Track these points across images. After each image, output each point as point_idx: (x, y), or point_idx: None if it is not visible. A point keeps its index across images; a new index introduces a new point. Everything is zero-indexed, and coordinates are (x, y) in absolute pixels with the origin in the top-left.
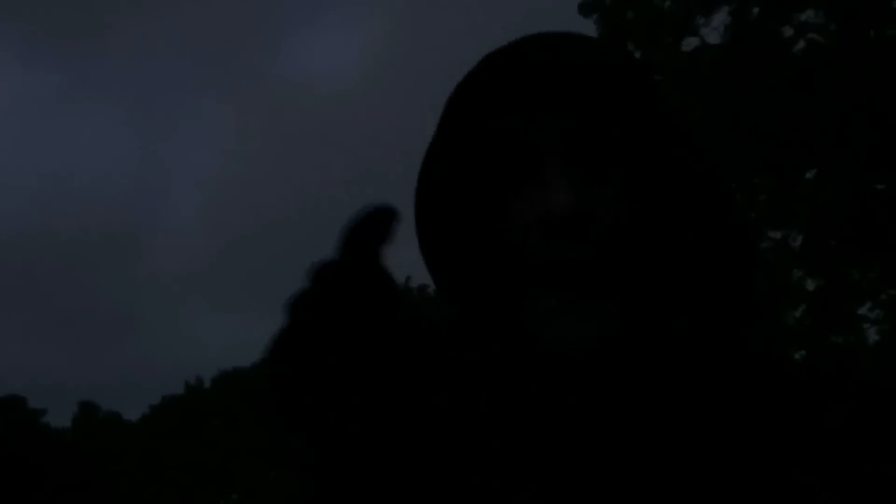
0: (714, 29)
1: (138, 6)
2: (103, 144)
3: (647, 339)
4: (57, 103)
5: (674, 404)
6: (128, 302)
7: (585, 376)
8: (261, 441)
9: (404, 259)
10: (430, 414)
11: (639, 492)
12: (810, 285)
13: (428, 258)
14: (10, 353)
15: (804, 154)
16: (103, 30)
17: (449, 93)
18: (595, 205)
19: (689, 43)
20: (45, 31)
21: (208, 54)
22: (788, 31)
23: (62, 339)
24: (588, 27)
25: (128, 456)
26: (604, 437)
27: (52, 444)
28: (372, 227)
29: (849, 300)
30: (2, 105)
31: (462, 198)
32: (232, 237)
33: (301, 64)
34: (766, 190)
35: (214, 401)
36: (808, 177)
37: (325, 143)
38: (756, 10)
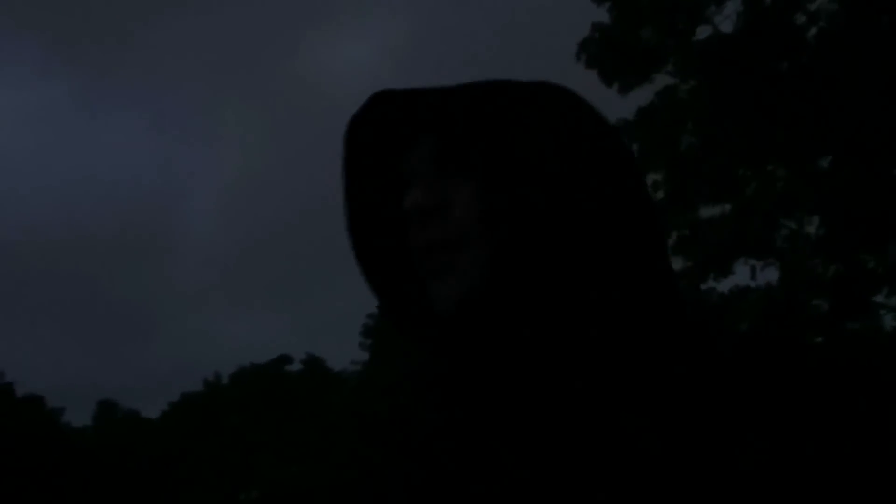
0: (727, 17)
1: (158, 14)
2: (125, 150)
3: (508, 301)
4: (78, 110)
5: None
6: (148, 303)
7: (466, 331)
8: (280, 436)
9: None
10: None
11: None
12: (826, 272)
13: (361, 264)
14: (30, 353)
15: (818, 141)
16: (125, 37)
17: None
18: (444, 196)
19: (703, 31)
20: (67, 39)
21: (227, 59)
22: (801, 19)
23: (83, 340)
24: (601, 15)
25: (147, 453)
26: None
27: (72, 442)
28: None
29: (865, 287)
30: (24, 113)
31: (376, 218)
32: (251, 238)
33: (318, 66)
34: (780, 178)
35: (233, 397)
36: (822, 164)
37: (340, 141)
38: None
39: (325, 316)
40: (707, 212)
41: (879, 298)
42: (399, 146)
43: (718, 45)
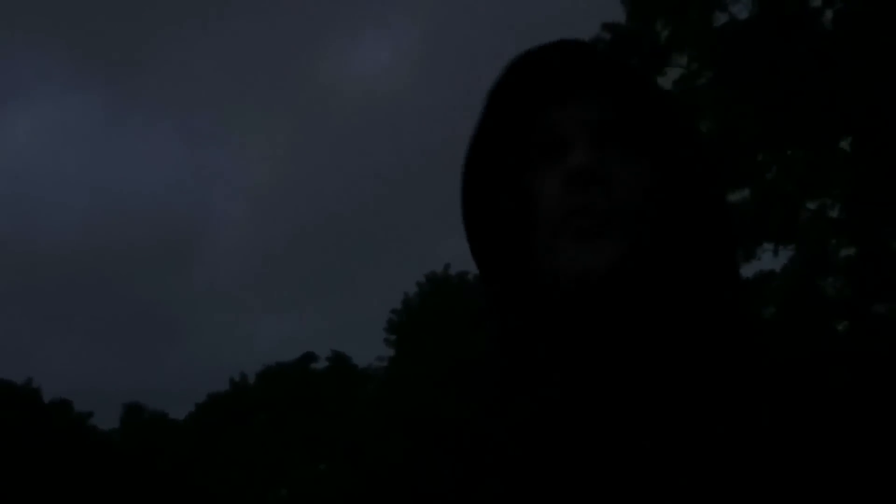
0: (742, 3)
1: (181, 26)
2: (155, 159)
3: (649, 277)
4: (108, 122)
5: (679, 348)
6: (175, 307)
7: (597, 304)
8: (307, 434)
9: (444, 250)
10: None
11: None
12: (849, 253)
13: (470, 230)
14: (58, 358)
15: (838, 124)
16: (153, 48)
17: (485, 90)
18: (611, 166)
19: (719, 19)
20: (94, 52)
21: (251, 68)
22: (816, 2)
23: (110, 344)
24: (615, 6)
25: (175, 454)
26: (616, 374)
27: (100, 445)
28: None
29: (890, 268)
30: (54, 125)
31: (501, 177)
32: (278, 242)
33: (339, 72)
34: (801, 161)
35: (259, 396)
36: (842, 147)
37: (366, 147)
38: None
39: (350, 314)
40: (728, 197)
41: None
42: (543, 102)
43: (735, 32)
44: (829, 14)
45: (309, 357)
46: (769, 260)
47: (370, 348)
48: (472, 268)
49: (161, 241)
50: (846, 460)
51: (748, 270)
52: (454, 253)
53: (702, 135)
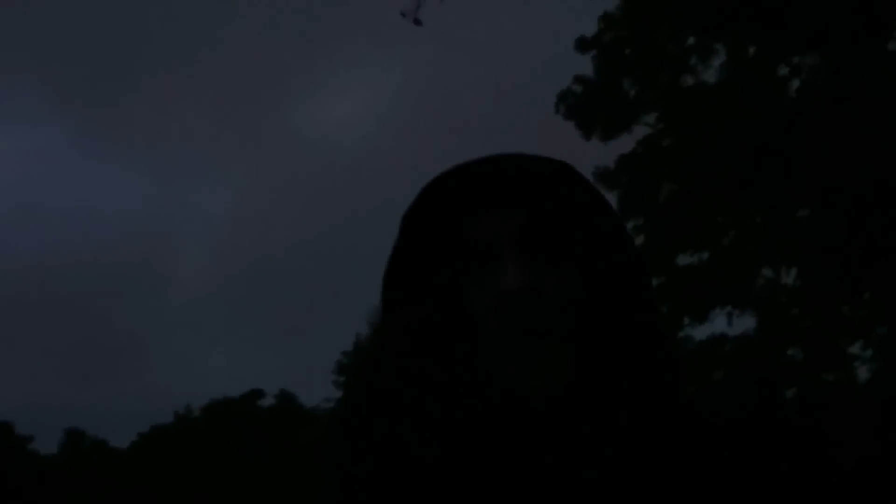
0: (711, 68)
1: (156, 65)
2: (120, 189)
3: (597, 391)
4: (77, 151)
5: (623, 452)
6: (128, 335)
7: (548, 421)
8: (250, 471)
9: None
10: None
11: None
12: (803, 323)
13: (393, 338)
14: (4, 380)
15: (798, 193)
16: (125, 86)
17: (408, 203)
18: (545, 283)
19: (686, 81)
20: (69, 87)
21: (224, 107)
22: (784, 71)
23: (54, 368)
24: (585, 64)
25: (115, 484)
26: (565, 484)
27: (39, 470)
28: None
29: (841, 337)
30: (24, 152)
31: (424, 290)
32: (235, 279)
33: (308, 118)
34: (759, 227)
35: (204, 430)
36: (801, 215)
37: (327, 190)
38: (752, 50)
39: (301, 354)
40: (685, 259)
41: (855, 349)
42: (467, 214)
43: (702, 95)
44: (795, 83)
45: (256, 394)
46: (721, 323)
47: (319, 389)
48: None
49: (118, 269)
50: None
51: (701, 332)
52: None
53: (630, 239)
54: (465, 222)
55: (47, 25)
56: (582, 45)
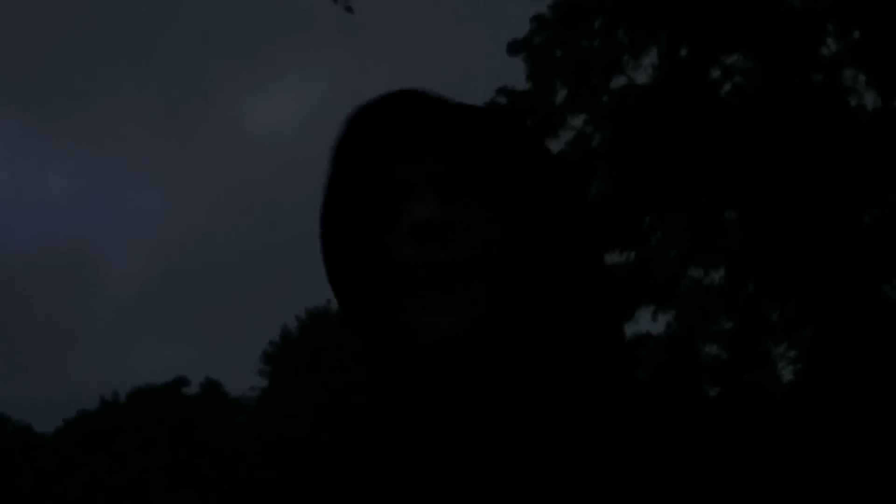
0: (643, 69)
1: (101, 55)
2: (55, 184)
3: (513, 334)
4: (12, 147)
5: (545, 405)
6: (58, 323)
7: (458, 367)
8: (174, 458)
9: (326, 286)
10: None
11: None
12: (727, 323)
13: (332, 282)
14: None
15: (726, 194)
16: (58, 79)
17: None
18: (459, 217)
19: (618, 82)
20: (8, 81)
21: (158, 102)
22: (716, 73)
23: None
24: (516, 66)
25: (40, 469)
26: (481, 439)
27: None
28: None
29: (765, 339)
30: None
31: (353, 233)
32: (164, 269)
33: (238, 118)
34: (687, 228)
35: (128, 417)
36: (729, 216)
37: (256, 185)
38: (685, 51)
39: (229, 344)
40: (612, 259)
41: (779, 350)
42: (386, 156)
43: (632, 96)
44: (727, 86)
45: (181, 381)
46: (646, 322)
47: (245, 379)
48: None
49: (50, 261)
50: None
51: (626, 331)
52: None
53: (572, 182)
54: (392, 161)
55: None
56: (513, 47)
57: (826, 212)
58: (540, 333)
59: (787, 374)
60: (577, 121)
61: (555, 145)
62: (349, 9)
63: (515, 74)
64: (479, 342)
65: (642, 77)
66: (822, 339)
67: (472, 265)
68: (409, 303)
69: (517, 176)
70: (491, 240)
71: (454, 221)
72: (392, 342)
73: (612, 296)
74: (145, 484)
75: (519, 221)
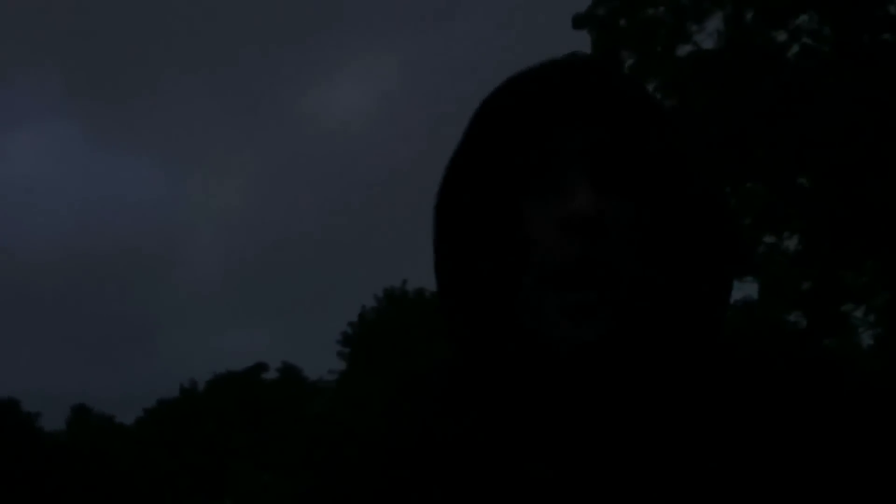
0: (708, 35)
1: (162, 62)
2: (133, 180)
3: (645, 342)
4: (90, 144)
5: (673, 409)
6: (138, 318)
7: (589, 376)
8: (255, 444)
9: (403, 266)
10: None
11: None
12: (805, 287)
13: (440, 259)
14: (12, 359)
15: (798, 159)
16: (132, 78)
17: (473, 111)
18: (611, 212)
19: (683, 49)
20: (81, 84)
21: (232, 100)
22: (783, 36)
23: (64, 348)
24: (582, 38)
25: (122, 458)
26: (610, 443)
27: (46, 446)
28: None
29: (843, 303)
30: (39, 146)
31: (483, 204)
32: (244, 258)
33: (312, 108)
34: (760, 195)
35: (209, 404)
36: (801, 182)
37: (333, 171)
38: (750, 15)
39: (307, 328)
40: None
41: (858, 314)
42: (537, 124)
43: (699, 63)
44: (794, 48)
45: (260, 367)
46: None
47: (323, 362)
48: (429, 284)
49: (129, 257)
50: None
51: None
52: (412, 269)
53: (704, 170)
54: (542, 132)
55: (59, 22)
56: (578, 21)
57: None
58: (668, 341)
59: (866, 338)
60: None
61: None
62: None
63: (583, 48)
64: (613, 349)
65: (708, 43)
66: None
67: (617, 266)
68: (543, 302)
69: (666, 171)
70: (634, 239)
71: (606, 217)
72: (505, 338)
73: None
74: (227, 470)
75: (660, 220)
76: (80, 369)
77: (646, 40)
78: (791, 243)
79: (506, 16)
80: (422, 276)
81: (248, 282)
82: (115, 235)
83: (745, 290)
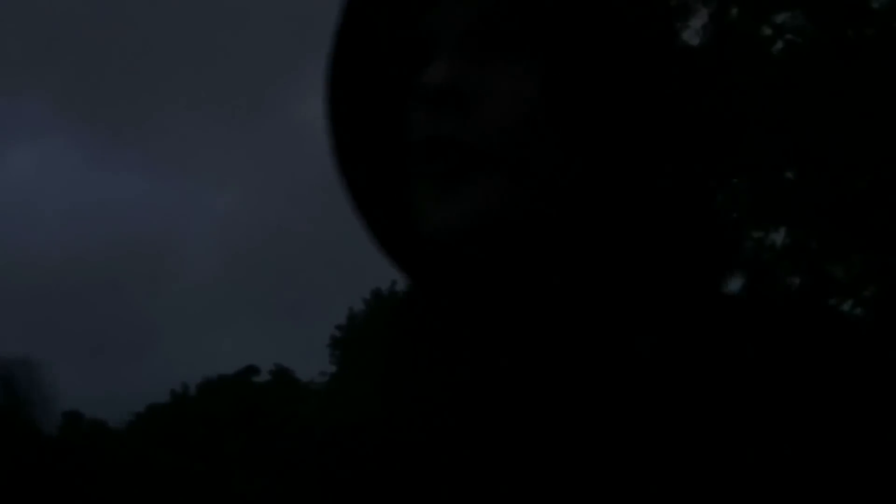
0: (693, 31)
1: (160, 69)
2: (129, 187)
3: (531, 231)
4: (87, 156)
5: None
6: (131, 321)
7: (470, 267)
8: (246, 448)
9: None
10: None
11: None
12: (793, 283)
13: (339, 161)
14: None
15: (784, 153)
16: (135, 92)
17: None
18: (481, 80)
19: None
20: (75, 100)
21: (228, 104)
22: (767, 32)
23: (56, 354)
24: None
25: (114, 463)
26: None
27: (40, 451)
28: None
29: (832, 297)
30: (40, 161)
31: (365, 96)
32: (229, 266)
33: (304, 111)
34: (746, 190)
35: (200, 408)
36: (788, 176)
37: (322, 175)
38: (735, 11)
39: (297, 332)
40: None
41: (846, 308)
42: (412, 8)
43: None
44: (779, 43)
45: (251, 370)
46: None
47: (317, 365)
48: None
49: (120, 263)
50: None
51: None
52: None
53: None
54: (415, 13)
55: (42, 40)
56: None
57: (885, 166)
58: (582, 227)
59: None
60: None
61: None
62: None
63: None
64: (497, 238)
65: (693, 39)
66: (887, 297)
67: (486, 147)
68: (414, 187)
69: (555, 18)
70: (517, 109)
71: (473, 87)
72: (403, 232)
73: (705, 176)
74: (220, 474)
75: (555, 80)
76: (71, 376)
77: None
78: (778, 237)
79: None
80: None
81: (238, 286)
82: (105, 242)
83: (731, 285)
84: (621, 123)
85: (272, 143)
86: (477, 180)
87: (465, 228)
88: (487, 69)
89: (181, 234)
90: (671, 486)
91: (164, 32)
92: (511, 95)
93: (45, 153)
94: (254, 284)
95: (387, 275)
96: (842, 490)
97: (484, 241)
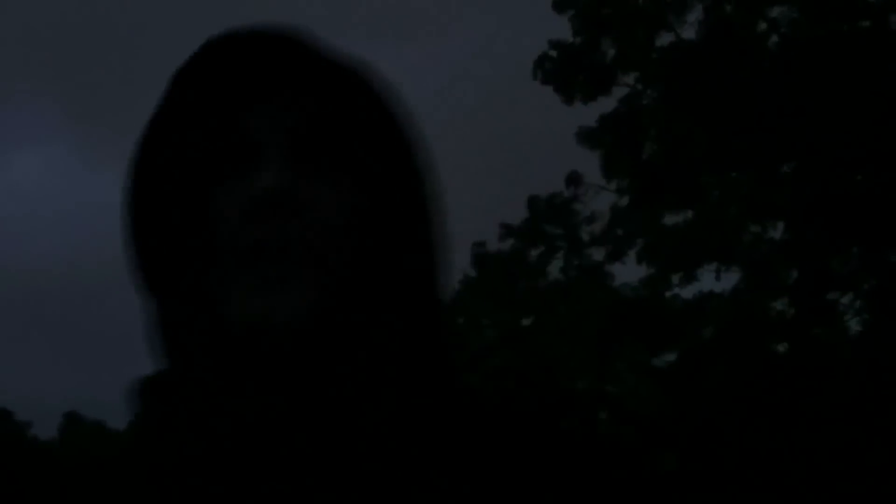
0: (689, 25)
1: (169, 71)
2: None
3: (345, 325)
4: (83, 164)
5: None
6: (130, 322)
7: (284, 357)
8: None
9: None
10: None
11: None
12: (791, 276)
13: (136, 247)
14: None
15: (781, 147)
16: (130, 98)
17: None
18: (306, 192)
19: (664, 39)
20: (73, 107)
21: None
22: (762, 26)
23: (54, 356)
24: (562, 24)
25: (115, 463)
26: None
27: (39, 454)
28: None
29: (829, 290)
30: (39, 168)
31: (174, 185)
32: None
33: None
34: (744, 184)
35: None
36: (785, 170)
37: None
38: (730, 6)
39: None
40: (671, 219)
41: (845, 301)
42: (233, 103)
43: (680, 53)
44: (774, 38)
45: None
46: (709, 281)
47: None
48: None
49: (122, 263)
50: None
51: (689, 291)
52: None
53: (424, 147)
54: (241, 109)
55: (46, 45)
56: (559, 5)
57: (881, 159)
58: (360, 328)
59: (854, 325)
60: (628, 78)
61: (608, 103)
62: None
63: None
64: (302, 329)
65: (689, 33)
66: (885, 290)
67: (316, 248)
68: (230, 285)
69: (364, 135)
70: (334, 221)
71: (298, 197)
72: (204, 323)
73: (441, 290)
74: None
75: (364, 199)
76: (71, 376)
77: (627, 29)
78: (776, 232)
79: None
80: None
81: None
82: (107, 244)
83: (731, 280)
84: (417, 231)
85: None
86: (303, 277)
87: (287, 320)
88: (314, 178)
89: None
90: None
91: (169, 38)
92: (333, 207)
93: (49, 157)
94: None
95: None
96: None
97: (297, 332)
